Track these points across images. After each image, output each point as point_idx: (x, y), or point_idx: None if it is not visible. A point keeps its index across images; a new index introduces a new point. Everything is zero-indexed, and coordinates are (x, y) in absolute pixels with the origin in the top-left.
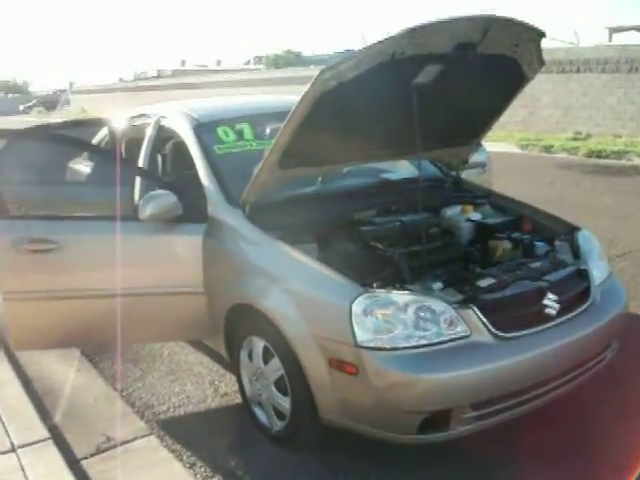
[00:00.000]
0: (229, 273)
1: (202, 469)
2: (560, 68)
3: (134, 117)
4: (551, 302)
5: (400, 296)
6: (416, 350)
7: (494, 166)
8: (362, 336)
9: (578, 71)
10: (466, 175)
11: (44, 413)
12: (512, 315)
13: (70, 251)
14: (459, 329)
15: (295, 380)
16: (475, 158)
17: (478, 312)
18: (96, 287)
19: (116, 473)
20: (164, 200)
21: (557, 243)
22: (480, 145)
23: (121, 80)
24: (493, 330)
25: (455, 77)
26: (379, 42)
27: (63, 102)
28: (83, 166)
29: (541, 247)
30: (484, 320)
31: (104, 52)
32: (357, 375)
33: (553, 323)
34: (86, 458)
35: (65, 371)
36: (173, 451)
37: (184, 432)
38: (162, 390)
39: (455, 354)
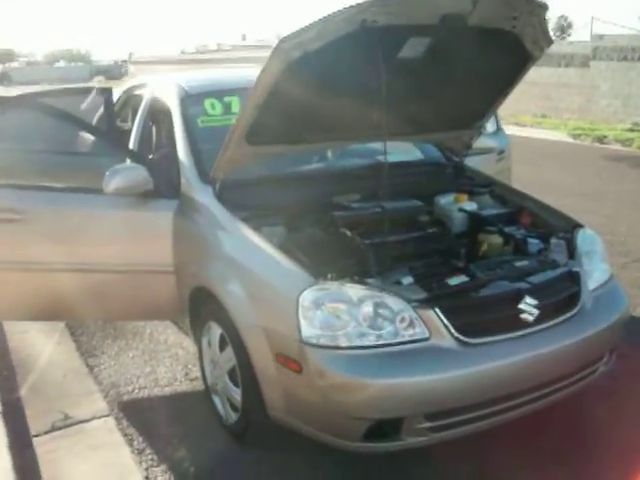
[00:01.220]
0: (193, 253)
1: (149, 456)
2: (621, 55)
3: (135, 87)
4: (528, 307)
5: (354, 290)
6: (366, 351)
7: (531, 154)
8: (308, 331)
9: None
10: (482, 162)
11: (12, 385)
12: (481, 319)
13: (35, 223)
14: (417, 330)
15: (245, 372)
16: (490, 144)
17: (440, 313)
18: (62, 261)
19: (62, 454)
20: (132, 174)
21: (553, 241)
22: (483, 129)
23: (183, 52)
24: (456, 334)
25: (448, 53)
26: (344, 9)
27: (123, 72)
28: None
29: (535, 244)
30: (446, 322)
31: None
32: (301, 373)
33: (530, 330)
34: (38, 435)
35: (45, 343)
36: (126, 435)
37: (142, 416)
38: (133, 369)
39: (410, 358)
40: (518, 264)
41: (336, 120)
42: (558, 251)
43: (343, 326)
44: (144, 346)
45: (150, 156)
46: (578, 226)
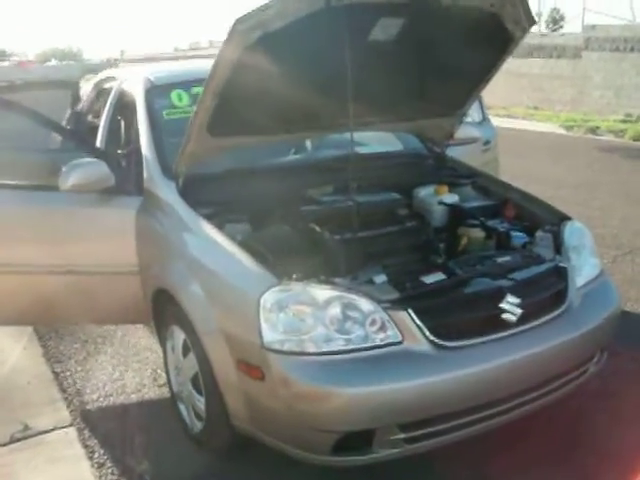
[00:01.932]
0: (155, 253)
1: (110, 470)
2: (614, 46)
3: (104, 80)
4: (510, 306)
5: (320, 291)
6: (334, 357)
7: (522, 146)
8: (270, 336)
9: (632, 50)
10: (466, 153)
11: None
12: (458, 320)
13: None
14: (389, 334)
15: (207, 380)
16: (474, 133)
17: (413, 315)
18: (21, 262)
19: (18, 467)
20: (91, 169)
21: (538, 234)
22: (465, 117)
23: (176, 49)
24: (431, 337)
25: (422, 36)
26: None
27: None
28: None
29: (519, 238)
30: (420, 325)
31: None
32: (264, 381)
33: (512, 331)
34: None
35: (11, 348)
36: (87, 447)
37: (106, 425)
38: (100, 375)
39: (382, 364)
40: (500, 260)
41: (302, 109)
42: (544, 245)
43: (308, 330)
44: (113, 350)
45: (119, 151)
46: (566, 219)
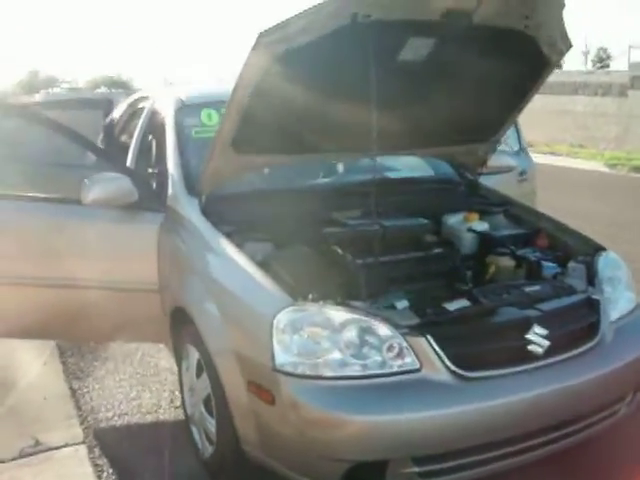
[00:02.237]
0: (174, 271)
1: None
2: None
3: (138, 100)
4: (537, 337)
5: (337, 313)
6: (348, 382)
7: (566, 183)
8: (282, 358)
9: None
10: (501, 182)
11: None
12: (481, 350)
13: (12, 234)
14: (407, 361)
15: (219, 402)
16: (509, 162)
17: (433, 342)
18: (40, 276)
19: None
20: (114, 184)
21: (571, 265)
22: (499, 144)
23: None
24: (451, 366)
25: (454, 57)
26: (332, 0)
27: None
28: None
29: (550, 268)
30: (440, 353)
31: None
32: (274, 405)
33: (539, 364)
34: (4, 462)
35: (32, 363)
36: (96, 465)
37: (117, 445)
38: (117, 394)
39: (398, 392)
40: (528, 289)
41: (328, 129)
42: (576, 276)
43: (323, 353)
44: (133, 370)
45: (149, 170)
46: (600, 249)
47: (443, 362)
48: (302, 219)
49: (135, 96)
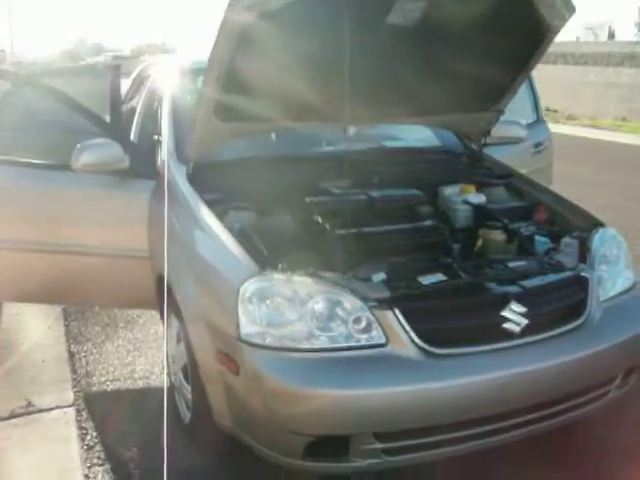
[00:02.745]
0: (159, 238)
1: (97, 454)
2: None
3: (146, 67)
4: (514, 315)
5: (304, 283)
6: (312, 354)
7: (607, 158)
8: (247, 328)
9: None
10: (513, 154)
11: None
12: (452, 326)
13: (7, 198)
14: (373, 334)
15: (193, 371)
16: (519, 133)
17: (400, 316)
18: (35, 240)
19: (11, 443)
20: (104, 150)
21: (564, 240)
22: (501, 113)
23: None
24: (418, 342)
25: (448, 21)
26: None
27: None
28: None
29: (542, 243)
30: (407, 328)
31: None
32: (239, 376)
33: (515, 342)
34: None
35: (36, 327)
36: (82, 428)
37: (105, 409)
38: (113, 359)
39: (361, 366)
40: (513, 265)
41: (315, 96)
42: (568, 252)
43: (288, 325)
44: (132, 335)
45: (155, 137)
46: (598, 225)
47: (410, 337)
48: (289, 188)
49: (143, 64)
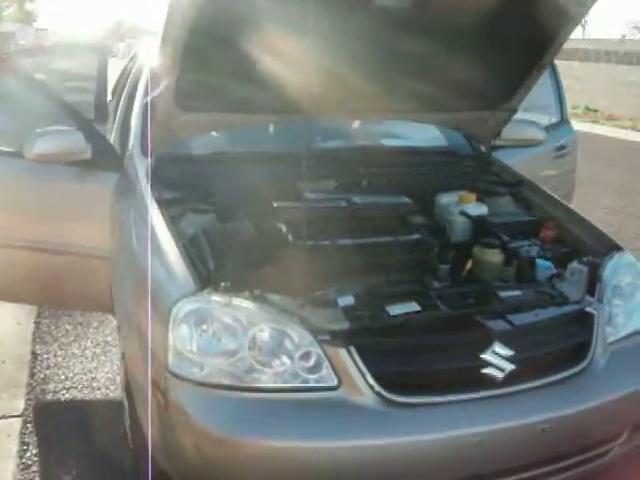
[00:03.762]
0: (113, 239)
1: (31, 476)
2: None
3: (135, 54)
4: (497, 358)
5: (246, 308)
6: (248, 394)
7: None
8: (177, 357)
9: None
10: (532, 157)
11: None
12: (419, 369)
13: None
14: (323, 374)
15: (128, 395)
16: (536, 135)
17: (356, 355)
18: None
19: None
20: (62, 138)
21: (571, 266)
22: (513, 112)
23: None
24: (376, 387)
25: (456, 9)
26: None
27: None
28: None
29: (545, 268)
30: (362, 369)
31: None
32: (168, 412)
33: (498, 392)
34: None
35: (5, 322)
36: (23, 443)
37: (54, 421)
38: (76, 364)
39: (307, 413)
40: (504, 294)
41: (300, 85)
42: (574, 281)
43: (224, 356)
44: (102, 338)
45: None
46: (614, 249)
47: (366, 381)
48: (259, 189)
49: (135, 50)
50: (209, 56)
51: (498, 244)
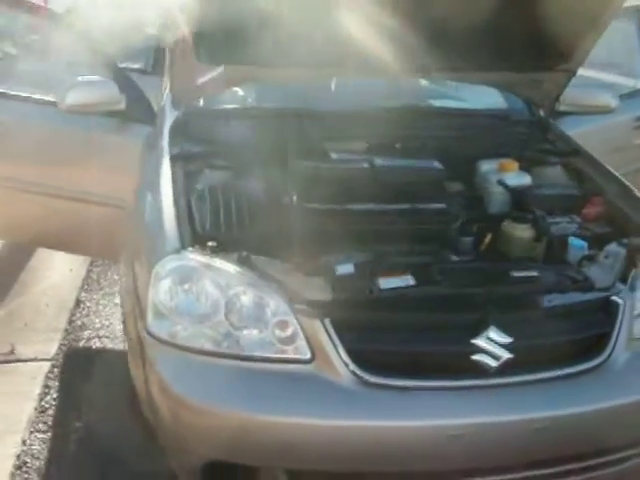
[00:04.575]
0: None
1: (46, 419)
2: None
3: None
4: (490, 344)
5: (225, 270)
6: (220, 361)
7: None
8: (154, 317)
9: None
10: (606, 127)
11: None
12: (401, 349)
13: (11, 136)
14: (298, 346)
15: (128, 349)
16: (607, 101)
17: (330, 329)
18: (29, 181)
19: None
20: (97, 89)
21: (608, 248)
22: (572, 73)
23: None
24: (350, 364)
25: None
26: None
27: None
28: None
29: (577, 248)
30: (337, 344)
31: None
32: (145, 370)
33: (490, 382)
34: None
35: (60, 269)
36: (46, 387)
37: (82, 369)
38: (115, 314)
39: (277, 385)
40: (519, 274)
41: (328, 37)
42: (607, 265)
43: (202, 319)
44: None
45: None
46: None
47: (340, 357)
48: (283, 147)
49: None
50: (230, 3)
51: (530, 219)
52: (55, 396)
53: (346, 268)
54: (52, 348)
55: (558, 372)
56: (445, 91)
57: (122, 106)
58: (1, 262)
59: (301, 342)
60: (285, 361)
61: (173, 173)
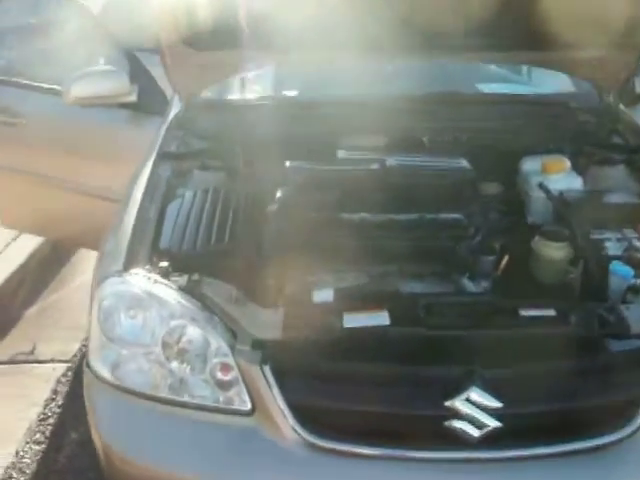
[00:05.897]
0: None
1: (44, 429)
2: None
3: None
4: (470, 408)
5: (163, 299)
6: (153, 406)
7: None
8: (94, 346)
9: None
10: None
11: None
12: (359, 409)
13: (29, 128)
14: (237, 395)
15: None
16: None
17: (270, 377)
18: (46, 174)
19: None
20: (104, 79)
21: None
22: None
23: None
24: (295, 425)
25: None
26: None
27: None
28: None
29: (623, 275)
30: (277, 397)
31: None
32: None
33: (470, 456)
34: None
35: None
36: (55, 392)
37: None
38: None
39: (211, 438)
40: (527, 313)
41: (339, 17)
42: None
43: (135, 351)
44: None
45: None
46: None
47: (282, 411)
48: (288, 144)
49: None
50: None
51: (565, 234)
52: (60, 403)
53: (323, 295)
54: (73, 348)
55: (566, 446)
56: (489, 75)
57: (133, 97)
58: (43, 258)
59: (242, 389)
60: (222, 411)
61: (152, 174)
